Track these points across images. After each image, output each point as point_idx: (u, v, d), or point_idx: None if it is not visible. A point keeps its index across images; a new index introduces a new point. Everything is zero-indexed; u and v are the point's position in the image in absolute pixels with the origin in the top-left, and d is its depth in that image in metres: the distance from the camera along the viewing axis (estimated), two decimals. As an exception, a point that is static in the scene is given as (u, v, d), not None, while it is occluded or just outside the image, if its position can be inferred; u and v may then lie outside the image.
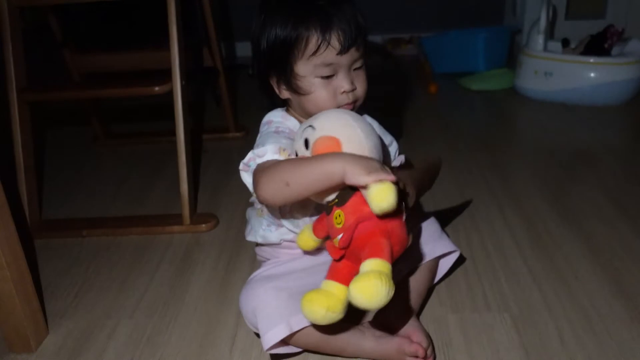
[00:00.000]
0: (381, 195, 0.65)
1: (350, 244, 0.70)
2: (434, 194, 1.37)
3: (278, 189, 0.74)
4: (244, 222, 1.05)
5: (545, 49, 2.08)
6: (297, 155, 0.78)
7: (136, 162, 1.71)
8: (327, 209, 0.74)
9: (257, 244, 0.98)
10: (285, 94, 0.87)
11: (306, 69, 0.82)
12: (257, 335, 0.84)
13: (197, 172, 1.58)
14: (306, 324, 0.79)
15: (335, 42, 0.80)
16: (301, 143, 0.76)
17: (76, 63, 1.69)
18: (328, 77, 0.82)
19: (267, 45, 0.83)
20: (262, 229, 0.93)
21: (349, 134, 0.73)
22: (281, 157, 0.80)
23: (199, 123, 2.04)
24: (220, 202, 1.41)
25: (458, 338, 0.89)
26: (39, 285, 1.07)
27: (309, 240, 0.83)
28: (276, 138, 0.83)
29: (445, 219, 1.24)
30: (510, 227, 1.21)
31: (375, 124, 0.95)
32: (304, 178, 0.72)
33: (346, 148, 0.73)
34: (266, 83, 0.88)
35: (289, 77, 0.83)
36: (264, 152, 0.80)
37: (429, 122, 1.93)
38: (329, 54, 0.80)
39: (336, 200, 0.72)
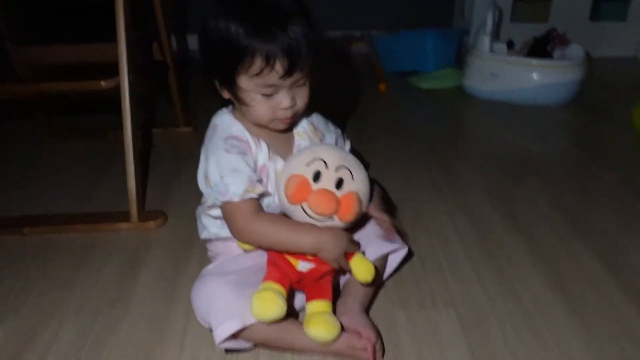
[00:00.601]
0: (361, 273, 0.85)
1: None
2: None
3: (253, 242, 0.86)
4: (193, 219, 1.04)
5: (491, 50, 2.14)
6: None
7: (82, 157, 1.66)
8: None
9: (209, 240, 0.97)
10: (226, 95, 0.87)
11: (248, 85, 0.82)
12: (210, 330, 0.84)
13: (145, 167, 1.55)
14: None
15: (278, 67, 0.79)
16: (310, 174, 0.82)
17: (20, 56, 1.62)
18: (269, 95, 0.83)
19: (213, 46, 0.83)
20: (215, 226, 0.93)
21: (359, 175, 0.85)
22: (251, 196, 0.84)
23: (148, 117, 2.00)
24: (169, 198, 1.39)
25: (405, 334, 0.91)
26: (-23, 286, 1.03)
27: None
28: (233, 165, 0.84)
29: (394, 218, 1.27)
30: (456, 226, 1.24)
31: (320, 120, 0.99)
32: (279, 246, 0.84)
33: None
34: (209, 80, 0.88)
35: (231, 86, 0.84)
36: (230, 197, 0.83)
37: (379, 120, 1.96)
38: (272, 77, 0.80)
39: None
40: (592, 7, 2.62)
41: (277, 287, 0.82)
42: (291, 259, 0.85)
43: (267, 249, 0.87)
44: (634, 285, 1.03)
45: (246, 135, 0.87)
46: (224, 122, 0.90)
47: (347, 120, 1.92)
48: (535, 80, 2.00)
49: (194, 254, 1.14)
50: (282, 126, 0.89)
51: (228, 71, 0.81)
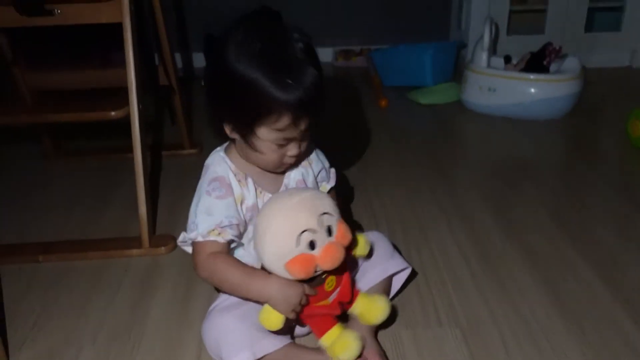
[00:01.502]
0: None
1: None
2: (386, 210, 1.43)
3: (207, 279, 0.90)
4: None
5: (488, 65, 2.18)
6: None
7: (89, 180, 1.70)
8: (318, 281, 0.85)
9: None
10: (235, 136, 0.88)
11: (267, 136, 0.84)
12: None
13: (153, 191, 1.58)
14: (269, 350, 0.83)
15: (302, 125, 0.83)
16: (305, 249, 0.81)
17: (27, 81, 1.66)
18: (283, 145, 0.86)
19: (235, 94, 0.82)
20: None
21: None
22: (216, 239, 0.86)
23: (154, 140, 2.04)
24: (177, 221, 1.41)
25: (412, 353, 0.94)
26: (-3, 314, 1.07)
27: (277, 320, 0.84)
28: (209, 208, 0.87)
29: (396, 234, 1.30)
30: (458, 241, 1.28)
31: (310, 148, 1.00)
32: (229, 288, 0.88)
33: None
34: (218, 119, 0.88)
35: (246, 133, 0.85)
36: (195, 236, 0.87)
37: (380, 136, 1.99)
38: (294, 132, 0.84)
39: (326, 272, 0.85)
40: (587, 18, 2.67)
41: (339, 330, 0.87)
42: (321, 303, 0.87)
43: (220, 290, 0.92)
44: (630, 295, 1.06)
45: (230, 176, 0.89)
46: (214, 162, 0.92)
47: (347, 137, 1.96)
48: (533, 94, 2.04)
49: (204, 278, 1.17)
50: (282, 169, 0.93)
51: (250, 120, 0.83)
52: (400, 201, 1.48)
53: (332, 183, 1.04)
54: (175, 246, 1.29)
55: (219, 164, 0.91)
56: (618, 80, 2.62)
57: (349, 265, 0.90)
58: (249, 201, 0.90)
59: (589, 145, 1.89)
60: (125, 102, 1.27)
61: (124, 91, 1.28)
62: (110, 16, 1.28)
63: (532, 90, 2.04)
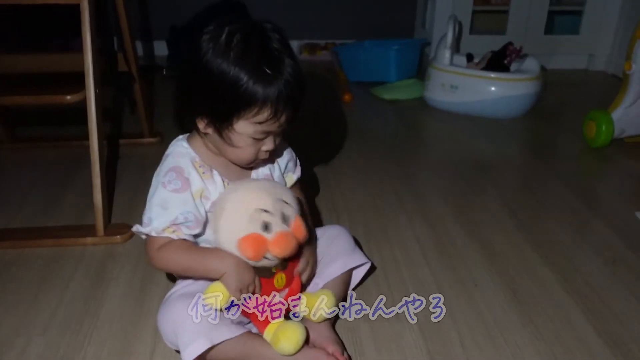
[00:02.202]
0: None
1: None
2: (347, 204, 1.43)
3: (165, 269, 0.92)
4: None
5: (451, 63, 2.21)
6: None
7: (44, 168, 1.65)
8: (267, 274, 0.87)
9: None
10: (208, 131, 0.86)
11: (246, 130, 0.83)
12: (177, 351, 0.85)
13: (111, 179, 1.54)
14: (226, 337, 0.82)
15: (283, 119, 0.82)
16: (259, 229, 0.81)
17: (-20, 63, 1.60)
18: (260, 139, 0.85)
19: (211, 87, 0.81)
20: None
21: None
22: (169, 236, 0.85)
23: (112, 128, 1.99)
24: (135, 211, 1.38)
25: (369, 346, 0.94)
26: (-60, 304, 1.02)
27: (223, 297, 0.84)
28: (163, 202, 0.85)
29: (357, 229, 1.30)
30: (417, 237, 1.29)
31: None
32: (191, 272, 0.87)
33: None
34: (189, 113, 0.87)
35: (223, 127, 0.83)
36: (149, 231, 0.85)
37: (343, 130, 2.00)
38: (273, 126, 0.83)
39: (279, 266, 0.87)
40: (547, 21, 2.73)
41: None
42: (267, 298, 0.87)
43: (180, 276, 0.92)
44: (583, 292, 1.09)
45: (189, 168, 0.87)
46: (175, 152, 0.90)
47: (310, 130, 1.96)
48: (494, 92, 2.07)
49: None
50: (254, 165, 0.92)
51: (228, 114, 0.81)
52: (361, 196, 1.49)
53: (297, 174, 1.04)
54: (132, 235, 1.26)
55: (181, 155, 0.89)
56: (575, 82, 2.69)
57: (297, 271, 0.91)
58: (215, 194, 0.88)
59: (547, 145, 1.93)
60: (82, 86, 1.23)
61: (81, 76, 1.24)
62: (68, -3, 1.23)
63: (493, 88, 2.07)
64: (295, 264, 0.91)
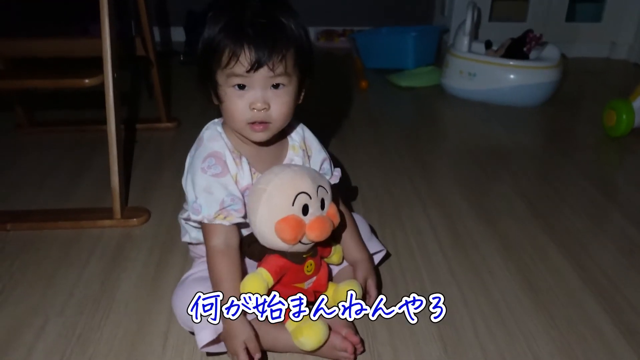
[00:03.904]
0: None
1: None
2: (362, 191, 1.43)
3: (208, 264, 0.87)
4: (175, 216, 1.06)
5: (469, 50, 2.18)
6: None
7: (62, 152, 1.67)
8: (299, 260, 0.86)
9: (190, 243, 0.99)
10: (214, 100, 0.87)
11: (221, 79, 0.82)
12: (191, 333, 0.86)
13: (128, 163, 1.56)
14: None
15: (243, 59, 0.79)
16: (298, 211, 0.81)
17: (1, 48, 1.61)
18: (242, 88, 0.82)
19: (200, 47, 0.83)
20: (196, 231, 0.95)
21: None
22: (222, 222, 0.84)
23: (130, 113, 2.00)
24: (151, 195, 1.40)
25: (382, 332, 0.95)
26: (-39, 282, 1.04)
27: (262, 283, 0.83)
28: (207, 187, 0.84)
29: (372, 216, 1.30)
30: (432, 225, 1.28)
31: (313, 138, 0.98)
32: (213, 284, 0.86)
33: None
34: (202, 85, 0.88)
35: (212, 84, 0.84)
36: (202, 218, 0.84)
37: (359, 118, 1.99)
38: (238, 68, 0.80)
39: (310, 253, 0.87)
40: (568, 8, 2.68)
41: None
42: (298, 284, 0.88)
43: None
44: (598, 281, 1.08)
45: (226, 152, 0.87)
46: (208, 136, 0.89)
47: (326, 118, 1.95)
48: (512, 80, 2.05)
49: (176, 251, 1.16)
50: (257, 136, 0.86)
51: (206, 69, 0.83)
52: (376, 183, 1.48)
53: (333, 180, 0.99)
54: (148, 218, 1.28)
55: (216, 139, 0.88)
56: (597, 71, 2.65)
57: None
58: (243, 182, 0.87)
59: (565, 134, 1.91)
60: (100, 70, 1.24)
61: (99, 61, 1.25)
62: (86, -19, 1.24)
63: (512, 76, 2.05)
64: (324, 251, 0.91)
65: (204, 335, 0.82)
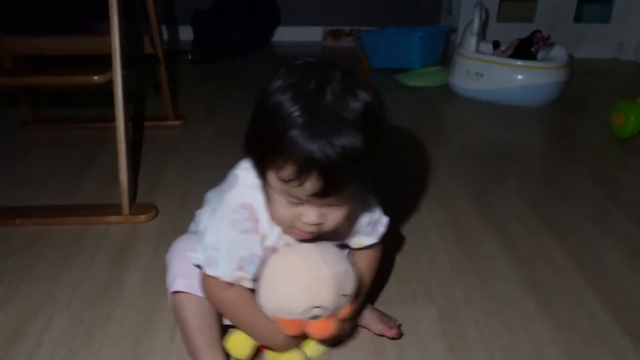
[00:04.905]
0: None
1: None
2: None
3: (217, 309, 0.82)
4: (182, 213, 1.08)
5: (477, 50, 2.18)
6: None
7: (68, 148, 1.68)
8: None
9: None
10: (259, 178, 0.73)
11: (275, 184, 0.68)
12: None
13: (135, 160, 1.56)
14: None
15: (308, 187, 0.64)
16: (306, 317, 0.76)
17: (6, 46, 1.62)
18: (295, 203, 0.69)
19: (259, 122, 0.69)
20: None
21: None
22: (235, 282, 0.77)
23: (137, 110, 2.01)
24: (158, 192, 1.41)
25: (386, 329, 0.95)
26: (-31, 276, 1.05)
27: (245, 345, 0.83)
28: (231, 243, 0.75)
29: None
30: (437, 224, 1.29)
31: (359, 202, 0.82)
32: (241, 327, 0.82)
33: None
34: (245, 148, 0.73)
35: (259, 171, 0.71)
36: (216, 273, 0.76)
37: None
38: (299, 192, 0.66)
39: None
40: (576, 9, 2.68)
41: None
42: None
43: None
44: (603, 282, 1.08)
45: (260, 209, 0.75)
46: (245, 182, 0.75)
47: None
48: (520, 80, 2.05)
49: (182, 248, 1.16)
50: (298, 237, 0.75)
51: (259, 155, 0.69)
52: (382, 183, 1.48)
53: (373, 240, 0.86)
54: (156, 215, 1.28)
55: (252, 188, 0.74)
56: (604, 72, 2.64)
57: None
58: (270, 241, 0.78)
59: (572, 135, 1.90)
60: (109, 67, 1.25)
61: (107, 58, 1.26)
62: (95, -21, 1.25)
63: (519, 76, 2.04)
64: None
65: (178, 284, 0.81)
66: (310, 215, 0.69)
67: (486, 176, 1.55)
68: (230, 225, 0.75)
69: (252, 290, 0.79)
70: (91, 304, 1.01)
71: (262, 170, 0.70)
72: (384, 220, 0.87)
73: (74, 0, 1.79)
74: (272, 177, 0.67)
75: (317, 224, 0.70)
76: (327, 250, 0.78)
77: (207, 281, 0.78)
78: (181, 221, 1.15)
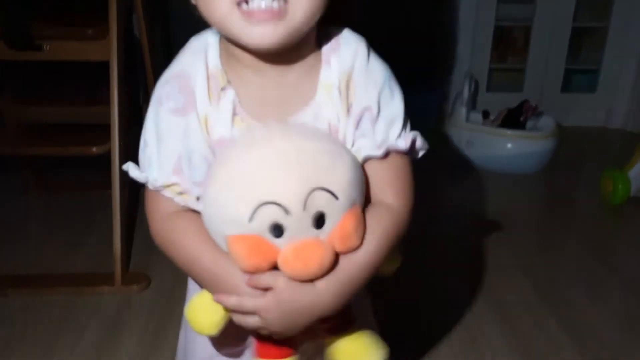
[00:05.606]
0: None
1: None
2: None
3: (167, 253, 0.62)
4: (175, 283, 1.07)
5: (467, 119, 2.24)
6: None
7: (67, 214, 1.69)
8: None
9: None
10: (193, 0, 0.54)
11: None
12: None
13: (131, 225, 1.57)
14: None
15: None
16: (264, 232, 0.50)
17: (12, 114, 1.66)
18: None
19: None
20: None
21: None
22: (171, 197, 0.57)
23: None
24: (152, 259, 1.41)
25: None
26: (-41, 348, 1.04)
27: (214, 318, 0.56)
28: (161, 130, 0.56)
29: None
30: (427, 293, 1.29)
31: (363, 64, 0.59)
32: (193, 273, 0.61)
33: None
34: None
35: None
36: (145, 178, 0.58)
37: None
38: None
39: None
40: (564, 79, 2.76)
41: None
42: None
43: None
44: (598, 355, 1.08)
45: (199, 75, 0.56)
46: (190, 46, 0.59)
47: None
48: (509, 149, 2.09)
49: (175, 321, 1.16)
50: (257, 34, 0.50)
51: None
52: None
53: (377, 152, 0.59)
54: (148, 285, 1.28)
55: (195, 52, 0.57)
56: (593, 139, 2.69)
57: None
58: (217, 129, 0.55)
59: (563, 202, 1.93)
60: (107, 138, 1.28)
61: (106, 127, 1.29)
62: (98, 54, 1.30)
63: (509, 145, 2.09)
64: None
65: None
66: None
67: (479, 242, 1.56)
68: (157, 103, 0.56)
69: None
70: (81, 377, 1.00)
71: None
72: (415, 134, 0.60)
73: (77, 69, 1.86)
74: None
75: None
76: (297, 124, 0.55)
77: (148, 209, 0.60)
78: (173, 291, 1.16)
